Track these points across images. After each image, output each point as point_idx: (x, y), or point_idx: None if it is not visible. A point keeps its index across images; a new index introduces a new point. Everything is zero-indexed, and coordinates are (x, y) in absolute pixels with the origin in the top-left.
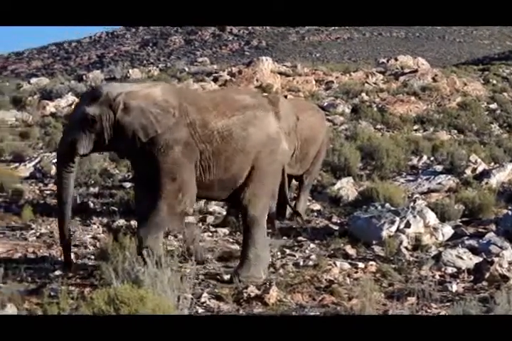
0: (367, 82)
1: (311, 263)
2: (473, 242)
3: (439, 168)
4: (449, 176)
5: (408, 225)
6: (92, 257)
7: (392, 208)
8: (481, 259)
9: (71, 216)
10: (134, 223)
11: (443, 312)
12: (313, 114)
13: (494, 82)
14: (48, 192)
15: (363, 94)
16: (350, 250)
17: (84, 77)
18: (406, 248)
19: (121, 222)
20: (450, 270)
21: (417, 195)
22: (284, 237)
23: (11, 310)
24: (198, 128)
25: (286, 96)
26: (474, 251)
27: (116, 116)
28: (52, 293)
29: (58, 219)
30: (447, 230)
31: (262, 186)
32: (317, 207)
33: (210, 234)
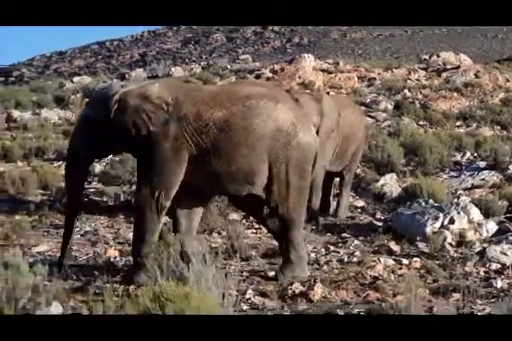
0: (409, 79)
1: (355, 259)
2: None
3: (482, 164)
4: (493, 172)
5: (452, 221)
6: None
7: (436, 204)
8: None
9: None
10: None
11: (488, 309)
12: (353, 111)
13: None
14: (92, 190)
15: (406, 91)
16: (395, 246)
17: (126, 75)
18: (450, 244)
19: (165, 218)
20: (494, 266)
21: (461, 191)
22: (328, 234)
23: (56, 307)
24: (191, 122)
25: (328, 93)
26: None
27: (113, 116)
28: (97, 291)
29: (66, 217)
30: (491, 226)
31: (288, 184)
32: (361, 203)
33: (254, 231)
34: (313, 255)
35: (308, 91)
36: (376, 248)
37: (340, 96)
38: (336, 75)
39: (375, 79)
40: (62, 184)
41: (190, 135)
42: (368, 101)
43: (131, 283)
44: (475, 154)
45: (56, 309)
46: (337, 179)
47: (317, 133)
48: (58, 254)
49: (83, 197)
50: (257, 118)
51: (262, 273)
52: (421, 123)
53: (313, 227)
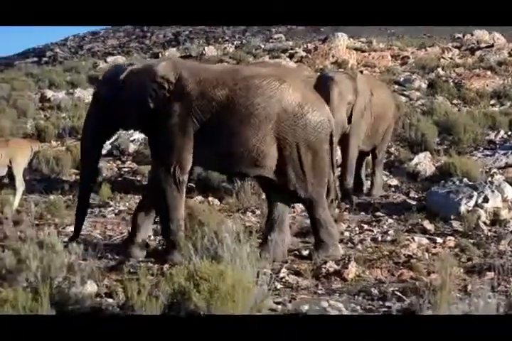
0: (443, 57)
1: (389, 238)
2: None
3: None
4: None
5: (486, 200)
6: None
7: (470, 183)
8: None
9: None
10: (211, 199)
11: None
12: (384, 91)
13: None
14: (126, 169)
15: (439, 69)
16: (428, 225)
17: (160, 55)
18: (484, 223)
19: (199, 198)
20: None
21: (495, 170)
22: (362, 213)
23: (90, 286)
24: (195, 100)
25: (361, 72)
26: None
27: (120, 94)
28: (131, 270)
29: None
30: None
31: (302, 165)
32: (395, 182)
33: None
34: (347, 234)
35: (341, 70)
36: (410, 227)
37: (370, 76)
38: (369, 54)
39: (408, 57)
40: None
41: (194, 113)
42: (401, 79)
43: (165, 262)
44: (509, 133)
45: (91, 288)
46: (369, 158)
47: (351, 111)
48: (92, 233)
49: (96, 175)
50: (260, 97)
51: (296, 252)
52: (455, 101)
53: (348, 206)
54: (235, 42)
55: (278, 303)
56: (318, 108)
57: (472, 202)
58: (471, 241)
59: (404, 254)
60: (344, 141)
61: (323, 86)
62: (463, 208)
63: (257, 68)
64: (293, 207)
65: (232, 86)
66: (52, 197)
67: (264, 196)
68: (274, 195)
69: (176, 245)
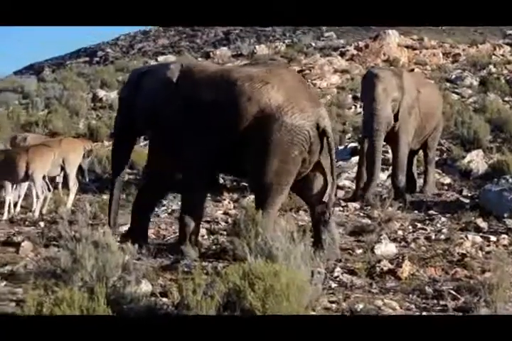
0: (494, 54)
1: (442, 236)
2: None
3: None
4: None
5: None
6: (224, 233)
7: None
8: None
9: None
10: None
11: None
12: (432, 89)
13: None
14: None
15: (491, 67)
16: (482, 223)
17: (211, 54)
18: None
19: (252, 197)
20: None
21: None
22: (415, 211)
23: (145, 286)
24: (190, 101)
25: (413, 70)
26: None
27: (134, 96)
28: (185, 269)
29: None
30: None
31: (266, 166)
32: (447, 180)
33: (341, 209)
34: (400, 232)
35: (392, 67)
36: (463, 225)
37: (417, 73)
38: (420, 51)
39: (459, 55)
40: None
41: (190, 114)
42: (452, 77)
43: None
44: None
45: (146, 287)
46: (421, 156)
47: (398, 108)
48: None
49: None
50: (241, 99)
51: (350, 251)
52: (506, 99)
53: (401, 204)
54: (285, 41)
55: (332, 302)
56: (299, 111)
57: None
58: None
59: (458, 253)
60: (393, 139)
61: (368, 82)
62: None
63: (246, 69)
64: (345, 206)
65: (222, 88)
66: (105, 196)
67: None
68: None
69: (187, 239)
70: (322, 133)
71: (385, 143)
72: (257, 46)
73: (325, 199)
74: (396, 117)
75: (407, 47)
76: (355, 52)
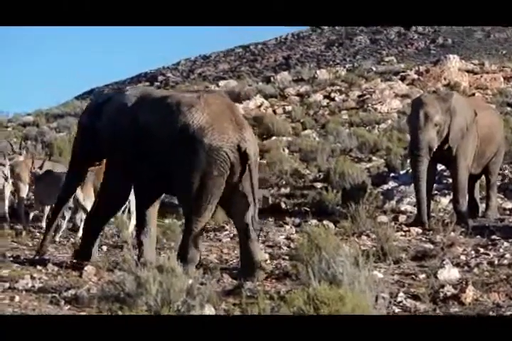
0: None
1: (505, 261)
2: None
3: None
4: None
5: None
6: (287, 257)
7: None
8: None
9: None
10: (326, 223)
11: None
12: (491, 113)
13: None
14: None
15: None
16: None
17: (271, 78)
18: None
19: (314, 222)
20: None
21: None
22: (478, 236)
23: (209, 310)
24: (140, 126)
25: (473, 94)
26: None
27: (95, 122)
28: (249, 293)
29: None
30: None
31: (189, 186)
32: (510, 205)
33: (403, 234)
34: (463, 257)
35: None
36: None
37: (476, 97)
38: (481, 76)
39: None
40: None
41: (139, 138)
42: None
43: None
44: None
45: (209, 311)
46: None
47: (448, 131)
48: (208, 257)
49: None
50: (171, 124)
51: (413, 276)
52: None
53: (463, 229)
54: (346, 66)
55: None
56: (219, 133)
57: None
58: None
59: None
60: (452, 163)
61: (411, 108)
62: None
63: (180, 95)
64: (408, 231)
65: (156, 112)
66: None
67: (379, 219)
68: None
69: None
70: (243, 155)
71: (445, 168)
72: (317, 71)
73: (247, 220)
74: (446, 140)
75: (467, 71)
76: (415, 76)
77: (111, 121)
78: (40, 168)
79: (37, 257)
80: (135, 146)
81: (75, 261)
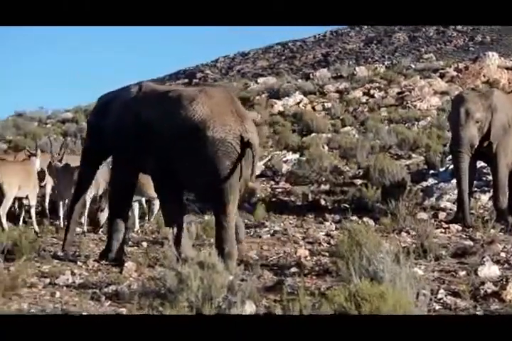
0: None
1: None
2: None
3: None
4: None
5: None
6: (327, 254)
7: None
8: None
9: None
10: (366, 219)
11: None
12: None
13: None
14: (280, 190)
15: None
16: None
17: (311, 75)
18: None
19: (354, 218)
20: None
21: None
22: None
23: (249, 307)
24: (142, 121)
25: None
26: None
27: (102, 120)
28: (289, 290)
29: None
30: None
31: (203, 182)
32: None
33: (443, 231)
34: (503, 254)
35: (495, 89)
36: None
37: None
38: None
39: None
40: (250, 184)
41: (141, 131)
42: None
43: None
44: None
45: (250, 308)
46: None
47: (489, 128)
48: (249, 253)
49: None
50: (172, 118)
51: (453, 273)
52: None
53: (503, 227)
54: (385, 63)
55: None
56: (221, 125)
57: None
58: None
59: None
60: (492, 160)
61: (452, 105)
62: None
63: (182, 89)
64: (447, 228)
65: (158, 106)
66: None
67: (418, 216)
68: None
69: None
70: (246, 145)
71: (485, 165)
72: (356, 68)
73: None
74: (487, 136)
75: (506, 68)
76: (454, 73)
77: (115, 118)
78: (60, 161)
79: (63, 252)
80: (138, 142)
81: (105, 262)
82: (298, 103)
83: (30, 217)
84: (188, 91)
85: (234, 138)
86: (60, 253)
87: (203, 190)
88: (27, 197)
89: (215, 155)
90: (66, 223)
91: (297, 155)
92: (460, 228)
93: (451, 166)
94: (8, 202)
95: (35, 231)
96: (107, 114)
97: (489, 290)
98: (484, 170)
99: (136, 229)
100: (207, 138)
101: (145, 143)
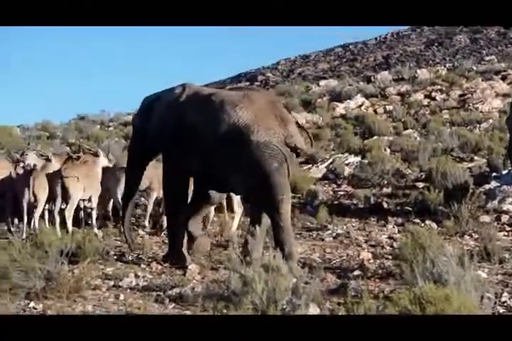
0: None
1: None
2: None
3: None
4: None
5: None
6: (389, 257)
7: None
8: None
9: None
10: (429, 222)
11: None
12: None
13: None
14: (342, 193)
15: None
16: None
17: (372, 78)
18: None
19: (416, 221)
20: None
21: None
22: None
23: (313, 309)
24: (186, 124)
25: None
26: None
27: (147, 122)
28: (353, 293)
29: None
30: None
31: (255, 185)
32: None
33: (506, 234)
34: None
35: None
36: None
37: None
38: None
39: None
40: (313, 187)
41: (187, 135)
42: None
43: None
44: None
45: (313, 311)
46: None
47: None
48: (312, 256)
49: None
50: (218, 122)
51: None
52: None
53: None
54: (446, 65)
55: None
56: (265, 129)
57: None
58: None
59: None
60: None
61: (509, 107)
62: None
63: (225, 93)
64: (511, 231)
65: (201, 110)
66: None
67: (481, 219)
68: None
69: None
70: (293, 149)
71: None
72: (418, 70)
73: None
74: None
75: None
76: None
77: (159, 120)
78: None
79: (132, 254)
80: (182, 144)
81: (168, 264)
82: (359, 106)
83: (92, 220)
84: (231, 95)
85: (278, 141)
86: (124, 256)
87: (254, 193)
88: (90, 200)
89: (261, 158)
90: (122, 226)
91: (359, 158)
92: None
93: None
94: (73, 205)
95: (95, 234)
96: (150, 115)
97: None
98: None
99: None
100: (251, 142)
101: (188, 146)
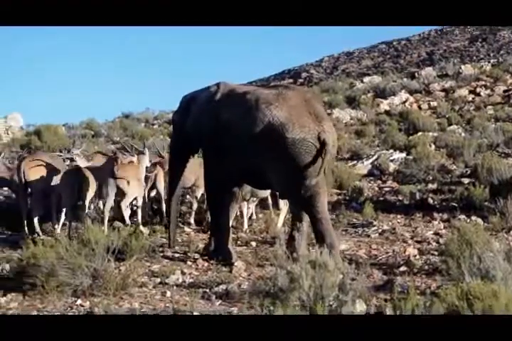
0: None
1: None
2: None
3: None
4: None
5: None
6: (435, 253)
7: None
8: None
9: None
10: (474, 218)
11: None
12: None
13: None
14: (387, 189)
15: None
16: None
17: (416, 74)
18: None
19: (462, 217)
20: None
21: None
22: None
23: (360, 306)
24: (221, 121)
25: None
26: None
27: (186, 119)
28: (399, 289)
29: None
30: None
31: (292, 182)
32: None
33: None
34: None
35: None
36: None
37: None
38: None
39: None
40: (358, 183)
41: (223, 130)
42: None
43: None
44: None
45: (360, 307)
46: None
47: None
48: (358, 252)
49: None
50: (250, 121)
51: None
52: None
53: None
54: (491, 61)
55: None
56: (300, 127)
57: None
58: None
59: None
60: None
61: None
62: None
63: (259, 91)
64: None
65: (237, 108)
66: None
67: None
68: None
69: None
70: (322, 144)
71: None
72: (462, 66)
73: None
74: None
75: None
76: None
77: (195, 118)
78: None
79: (171, 250)
80: (218, 141)
81: (214, 261)
82: (404, 102)
83: (137, 218)
84: (265, 94)
85: (313, 137)
86: (169, 253)
87: (290, 188)
88: (135, 198)
89: (297, 154)
90: (168, 222)
91: (404, 154)
92: None
93: None
94: (128, 200)
95: (140, 231)
96: (188, 114)
97: None
98: None
99: (244, 229)
100: (287, 139)
101: (224, 143)
